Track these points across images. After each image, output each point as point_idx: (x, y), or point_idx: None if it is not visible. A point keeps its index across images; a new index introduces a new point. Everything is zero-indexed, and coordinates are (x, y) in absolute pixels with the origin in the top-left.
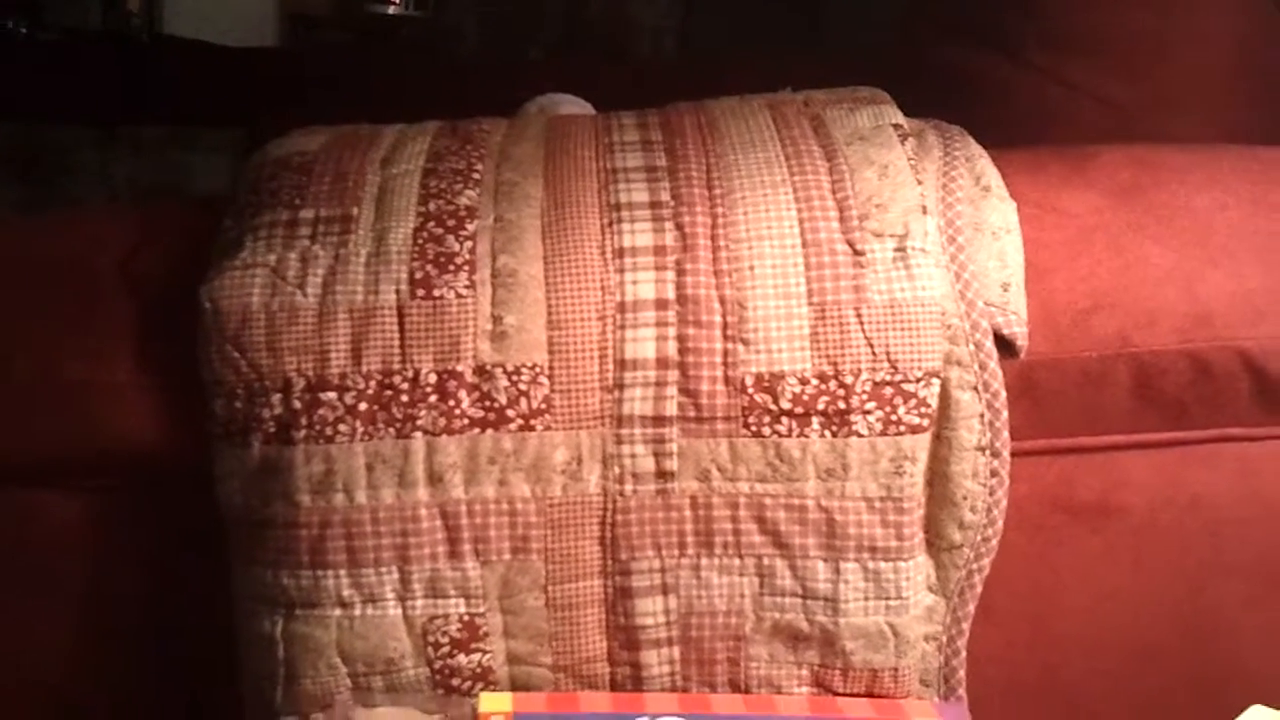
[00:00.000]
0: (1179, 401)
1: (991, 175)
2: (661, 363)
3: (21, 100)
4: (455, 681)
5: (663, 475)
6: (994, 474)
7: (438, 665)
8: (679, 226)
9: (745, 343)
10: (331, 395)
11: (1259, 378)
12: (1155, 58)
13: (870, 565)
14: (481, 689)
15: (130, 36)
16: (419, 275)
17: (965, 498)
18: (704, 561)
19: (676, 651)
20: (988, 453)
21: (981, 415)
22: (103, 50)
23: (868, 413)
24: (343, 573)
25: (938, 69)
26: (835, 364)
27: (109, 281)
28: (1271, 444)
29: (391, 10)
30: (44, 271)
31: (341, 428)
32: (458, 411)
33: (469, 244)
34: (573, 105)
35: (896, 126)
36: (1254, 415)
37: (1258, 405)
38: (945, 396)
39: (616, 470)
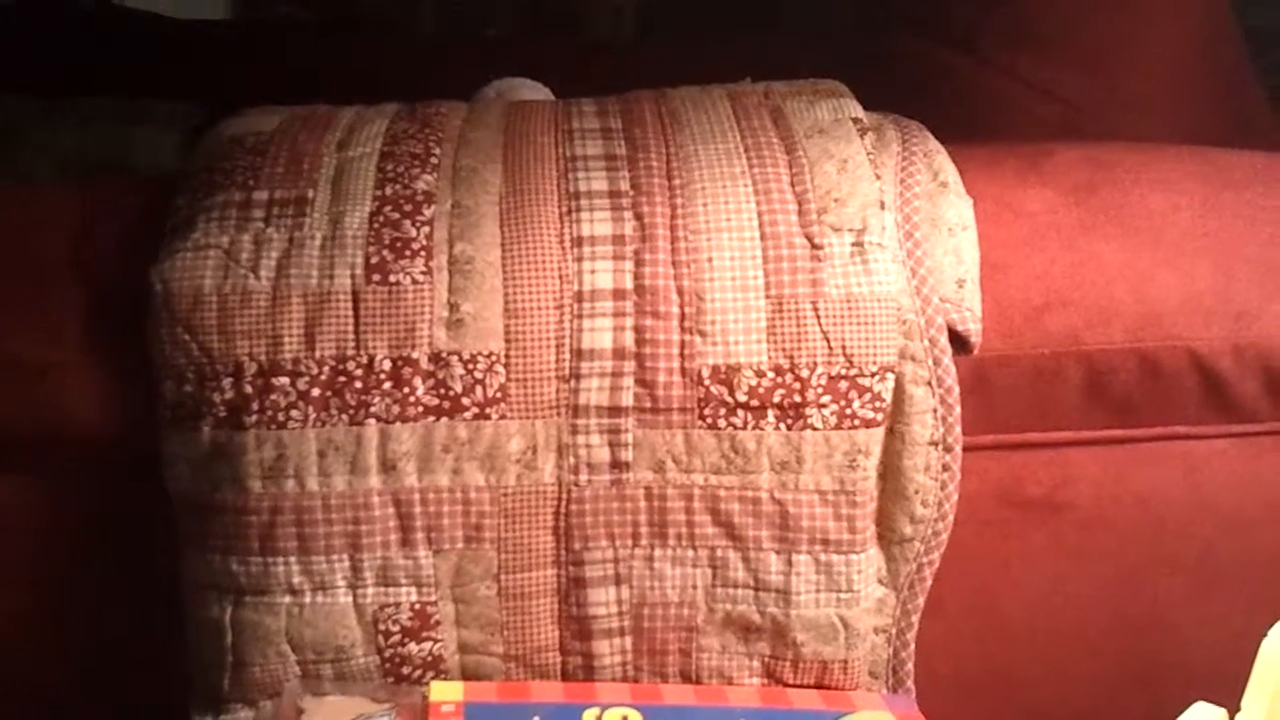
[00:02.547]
0: (1128, 400)
1: (949, 171)
2: (618, 353)
3: None
4: (406, 670)
5: (618, 466)
6: (946, 468)
7: (388, 654)
8: (638, 216)
9: (702, 334)
10: (284, 380)
11: (1207, 377)
12: (1111, 57)
13: (822, 558)
14: (432, 678)
15: (78, 5)
16: (375, 260)
17: (917, 492)
18: (657, 552)
19: (629, 642)
20: (940, 447)
21: (935, 410)
22: (49, 19)
23: (823, 406)
24: (293, 560)
25: (894, 61)
26: (791, 357)
27: (57, 259)
28: (1217, 443)
29: None
30: None
31: (294, 413)
32: (412, 399)
33: (426, 229)
34: (531, 90)
35: (856, 120)
36: (1201, 414)
37: (1205, 405)
38: (899, 391)
39: (571, 460)
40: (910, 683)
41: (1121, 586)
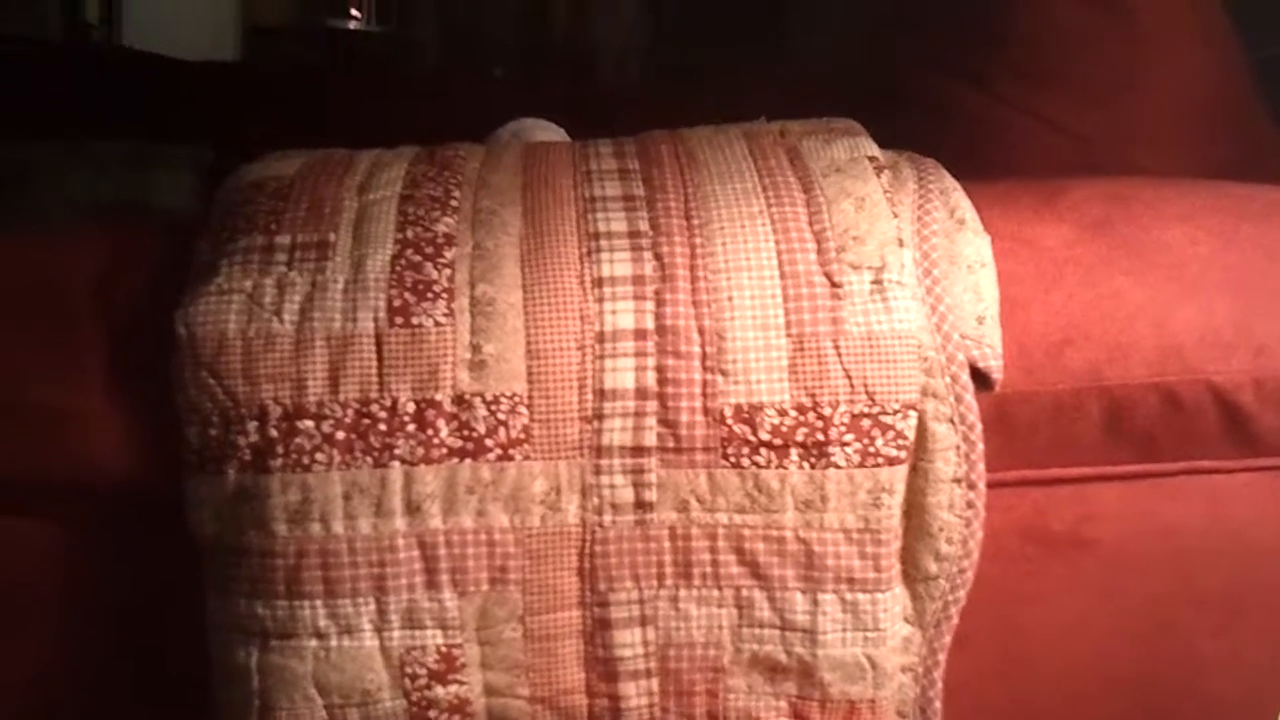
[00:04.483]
0: (1149, 434)
1: (966, 208)
2: (640, 393)
3: None
4: (432, 714)
5: (641, 506)
6: (969, 505)
7: (415, 697)
8: (658, 256)
9: (724, 374)
10: (309, 424)
11: (1228, 411)
12: (1125, 91)
13: (848, 597)
14: None
15: (89, 48)
16: (397, 303)
17: (941, 529)
18: (682, 593)
19: (655, 683)
20: (963, 484)
21: (957, 447)
22: (61, 63)
23: (846, 444)
24: (319, 603)
25: (906, 98)
26: (813, 396)
27: (80, 304)
28: (1240, 476)
29: (353, 25)
30: (12, 292)
31: (319, 456)
32: (436, 441)
33: (447, 272)
34: (546, 131)
35: (872, 158)
36: (1223, 448)
37: (1227, 438)
38: (922, 428)
39: (595, 501)
40: None
41: (1147, 621)
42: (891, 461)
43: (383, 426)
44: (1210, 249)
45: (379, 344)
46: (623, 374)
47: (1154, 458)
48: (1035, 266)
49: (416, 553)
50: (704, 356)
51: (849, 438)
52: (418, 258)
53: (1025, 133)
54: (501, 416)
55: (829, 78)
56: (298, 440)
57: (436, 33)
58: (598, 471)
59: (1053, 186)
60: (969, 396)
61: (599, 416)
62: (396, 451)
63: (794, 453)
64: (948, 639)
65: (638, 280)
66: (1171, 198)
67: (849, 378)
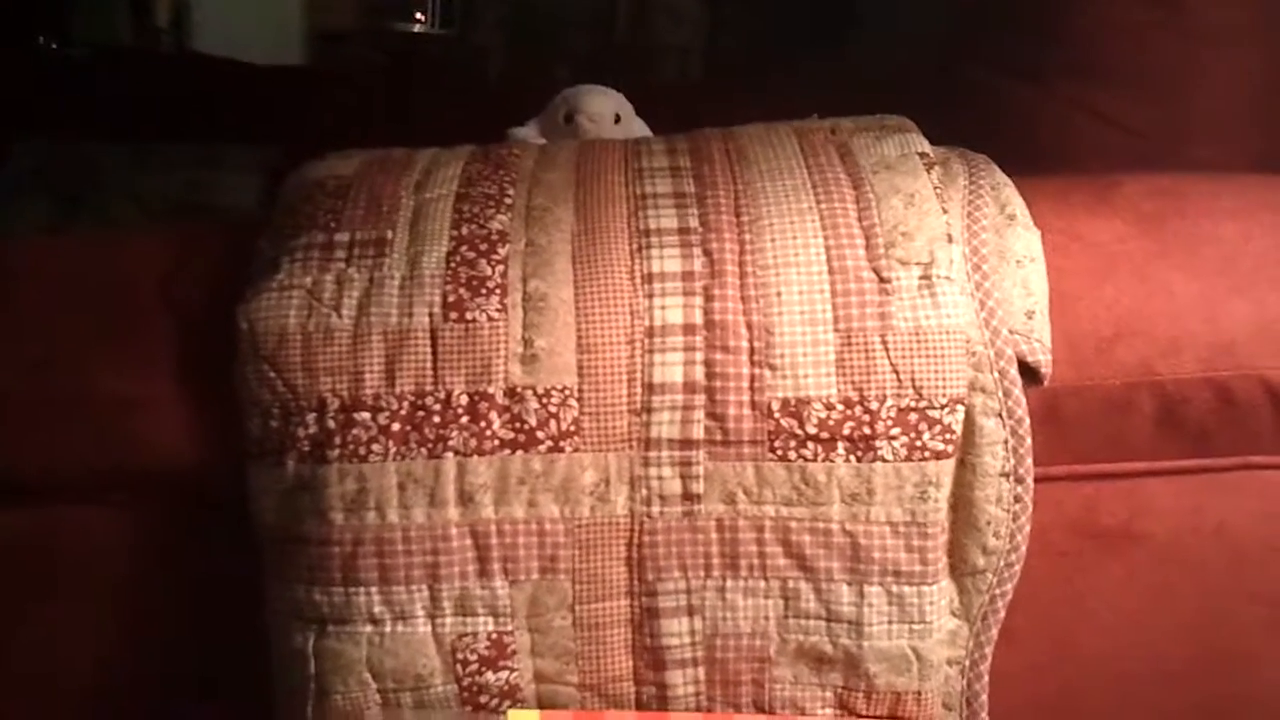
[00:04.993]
0: (1202, 429)
1: (1016, 204)
2: (689, 387)
3: (50, 116)
4: (483, 699)
5: (689, 498)
6: (1017, 500)
7: (466, 682)
8: (707, 253)
9: (772, 368)
10: (365, 415)
11: None
12: (1181, 86)
13: (894, 589)
14: (509, 707)
15: (159, 53)
16: (452, 298)
17: (989, 523)
18: (729, 583)
19: (701, 672)
20: (1011, 479)
21: (1005, 441)
22: (131, 67)
23: (893, 438)
24: (374, 590)
25: (963, 96)
26: (861, 390)
27: (148, 301)
28: None
29: (418, 28)
30: (84, 289)
31: (375, 447)
32: (488, 432)
33: (500, 268)
34: (595, 96)
35: (922, 155)
36: (1277, 443)
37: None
38: (970, 423)
39: (644, 492)
40: (984, 714)
41: (1198, 617)
42: (938, 455)
43: (437, 419)
44: (1263, 244)
45: (434, 338)
46: (671, 368)
47: (1206, 453)
48: (1086, 261)
49: (469, 541)
50: (752, 351)
51: (896, 431)
52: (472, 254)
53: (1080, 128)
54: (552, 409)
55: (886, 76)
56: (355, 431)
57: (499, 35)
58: (646, 463)
59: (1105, 182)
60: (1017, 391)
61: (648, 410)
62: (450, 443)
63: (841, 446)
64: (994, 633)
65: (687, 276)
66: (1224, 193)
67: (896, 372)
